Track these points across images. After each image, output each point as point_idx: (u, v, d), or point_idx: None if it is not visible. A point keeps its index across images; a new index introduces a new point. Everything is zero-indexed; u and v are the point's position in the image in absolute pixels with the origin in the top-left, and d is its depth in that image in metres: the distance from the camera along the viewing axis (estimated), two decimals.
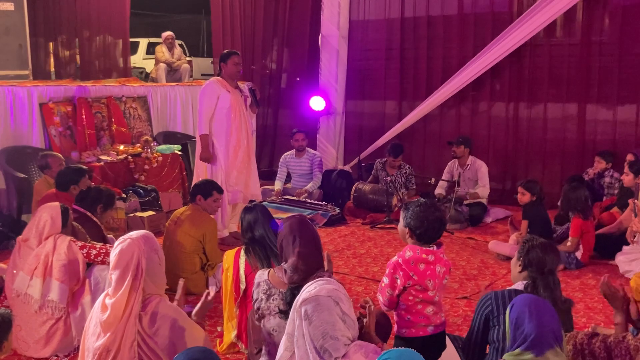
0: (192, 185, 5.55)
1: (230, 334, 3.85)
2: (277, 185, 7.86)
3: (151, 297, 2.93)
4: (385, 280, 3.18)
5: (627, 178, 6.06)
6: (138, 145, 7.54)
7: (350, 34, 9.13)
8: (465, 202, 7.18)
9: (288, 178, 8.11)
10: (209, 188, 5.10)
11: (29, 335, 3.85)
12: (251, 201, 5.04)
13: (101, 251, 3.99)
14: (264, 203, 5.57)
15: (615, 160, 7.05)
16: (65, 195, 4.97)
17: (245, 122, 6.29)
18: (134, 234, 3.01)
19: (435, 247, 3.16)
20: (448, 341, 3.26)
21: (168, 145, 7.75)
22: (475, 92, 8.39)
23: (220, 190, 5.20)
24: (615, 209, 6.31)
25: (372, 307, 2.74)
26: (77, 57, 9.44)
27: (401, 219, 3.23)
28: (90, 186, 5.03)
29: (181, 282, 3.34)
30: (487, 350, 3.01)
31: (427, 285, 3.11)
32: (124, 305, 2.87)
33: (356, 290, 5.01)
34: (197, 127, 6.63)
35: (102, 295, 3.00)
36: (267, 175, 9.03)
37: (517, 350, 2.41)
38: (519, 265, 3.12)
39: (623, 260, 5.42)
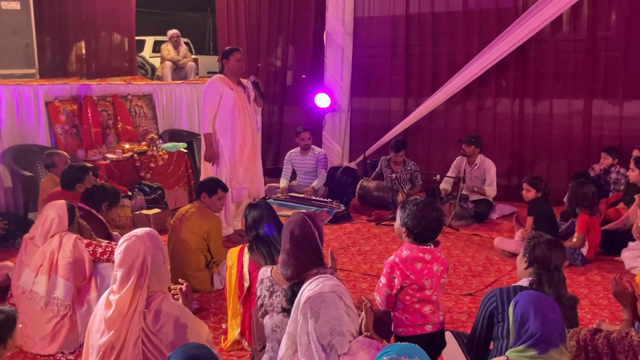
0: (198, 183, 5.56)
1: (234, 331, 3.86)
2: (283, 182, 7.86)
3: (155, 294, 2.94)
4: (383, 279, 3.17)
5: (633, 174, 6.03)
6: (144, 143, 7.55)
7: (355, 31, 9.11)
8: (471, 198, 7.16)
9: (293, 175, 8.11)
10: (214, 186, 5.11)
11: (35, 332, 3.87)
12: (256, 198, 5.05)
13: (107, 249, 4.02)
14: (269, 200, 5.57)
15: (622, 156, 7.01)
16: (72, 194, 4.96)
17: (250, 118, 6.29)
18: (139, 231, 3.00)
19: (432, 246, 3.13)
20: (451, 337, 3.25)
21: (174, 143, 7.77)
22: (481, 89, 8.37)
23: (225, 189, 5.21)
24: (621, 205, 6.29)
25: (369, 304, 2.73)
26: (83, 55, 9.46)
27: (398, 218, 3.19)
28: (95, 184, 5.05)
29: (182, 286, 3.14)
30: (492, 347, 3.00)
31: (424, 284, 3.09)
32: (128, 302, 2.88)
33: (361, 287, 5.02)
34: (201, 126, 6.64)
35: (106, 292, 3.01)
36: (272, 172, 9.02)
37: (521, 347, 2.40)
38: (525, 262, 3.10)
39: (629, 256, 5.41)
